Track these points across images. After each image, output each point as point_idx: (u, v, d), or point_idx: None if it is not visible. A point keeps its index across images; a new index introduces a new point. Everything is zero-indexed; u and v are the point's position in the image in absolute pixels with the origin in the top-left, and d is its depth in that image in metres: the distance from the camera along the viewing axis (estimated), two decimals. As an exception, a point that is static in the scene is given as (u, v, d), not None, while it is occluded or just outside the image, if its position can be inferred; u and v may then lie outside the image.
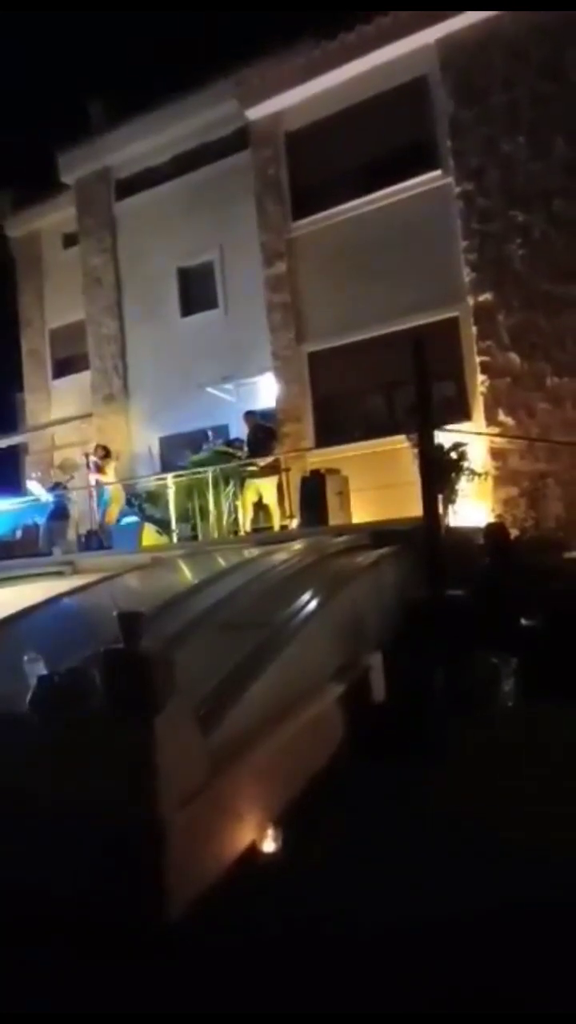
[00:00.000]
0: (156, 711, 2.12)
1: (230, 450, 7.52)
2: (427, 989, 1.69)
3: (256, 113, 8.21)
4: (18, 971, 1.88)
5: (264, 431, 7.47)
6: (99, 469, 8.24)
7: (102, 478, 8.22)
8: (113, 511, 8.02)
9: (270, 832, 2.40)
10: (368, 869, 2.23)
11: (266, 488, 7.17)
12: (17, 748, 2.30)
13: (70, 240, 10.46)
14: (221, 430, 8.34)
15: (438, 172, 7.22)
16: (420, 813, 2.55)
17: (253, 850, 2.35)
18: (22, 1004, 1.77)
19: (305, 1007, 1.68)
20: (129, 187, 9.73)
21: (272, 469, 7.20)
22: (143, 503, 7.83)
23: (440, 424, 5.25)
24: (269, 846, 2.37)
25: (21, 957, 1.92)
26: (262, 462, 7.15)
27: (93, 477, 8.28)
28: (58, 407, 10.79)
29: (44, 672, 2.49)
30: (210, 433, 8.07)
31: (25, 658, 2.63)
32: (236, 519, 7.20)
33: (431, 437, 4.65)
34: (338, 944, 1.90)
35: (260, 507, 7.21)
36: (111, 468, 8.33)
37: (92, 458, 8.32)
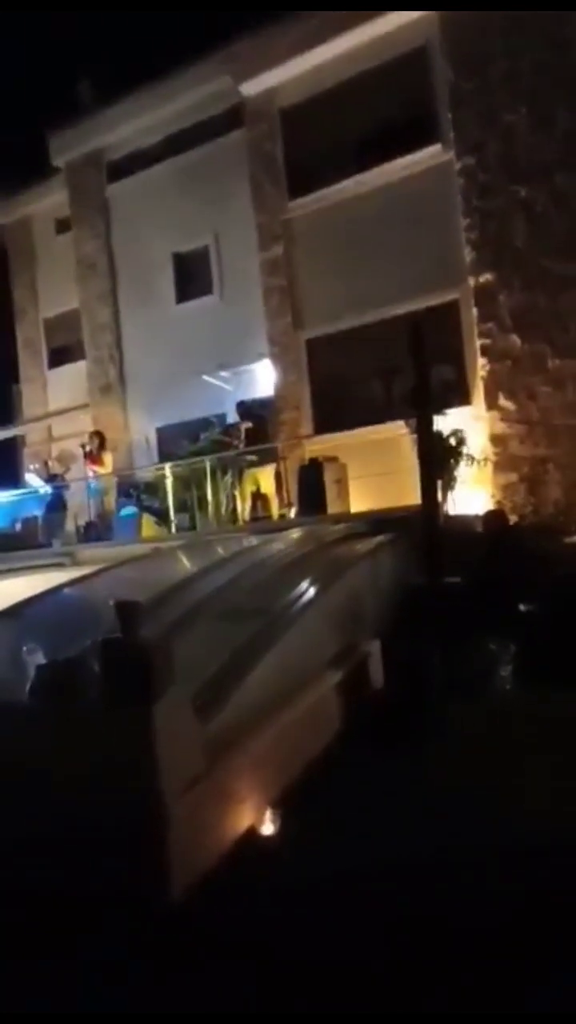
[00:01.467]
0: (154, 700, 2.13)
1: (226, 439, 7.47)
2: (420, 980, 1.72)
3: (250, 88, 7.96)
4: (17, 956, 1.91)
5: (255, 420, 7.40)
6: (95, 459, 8.19)
7: (99, 469, 8.18)
8: (109, 500, 8.00)
9: (268, 817, 2.43)
10: (362, 852, 2.26)
11: (264, 477, 7.14)
12: (17, 737, 2.32)
13: (63, 226, 10.24)
14: (219, 419, 8.27)
15: (438, 147, 7.03)
16: (416, 799, 2.57)
17: (251, 836, 2.38)
18: (24, 989, 1.80)
19: (298, 992, 1.70)
20: (121, 170, 9.49)
21: (270, 458, 7.16)
22: (141, 494, 7.80)
23: (439, 409, 5.19)
24: (267, 831, 2.40)
25: (21, 943, 1.95)
26: (255, 425, 7.04)
27: (89, 468, 8.23)
28: (54, 397, 10.69)
29: (43, 662, 2.50)
30: (215, 420, 7.99)
31: (24, 648, 2.63)
32: (234, 508, 7.17)
33: (430, 423, 4.60)
34: (330, 932, 1.92)
35: (258, 496, 7.18)
36: (108, 457, 8.28)
37: (87, 447, 8.27)
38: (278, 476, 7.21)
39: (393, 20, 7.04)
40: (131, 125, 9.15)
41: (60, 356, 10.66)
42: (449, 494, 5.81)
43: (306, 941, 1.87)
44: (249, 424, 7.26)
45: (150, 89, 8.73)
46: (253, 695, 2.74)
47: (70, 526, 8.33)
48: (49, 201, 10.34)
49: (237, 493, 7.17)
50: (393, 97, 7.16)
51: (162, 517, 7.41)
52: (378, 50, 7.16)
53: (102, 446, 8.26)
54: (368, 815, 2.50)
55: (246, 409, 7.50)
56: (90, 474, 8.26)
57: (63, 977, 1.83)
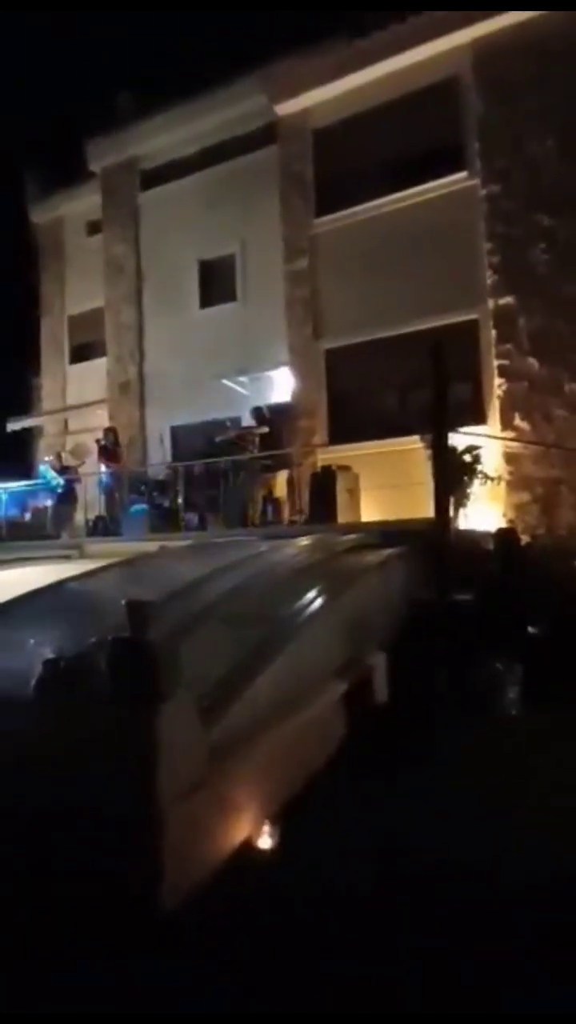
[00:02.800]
0: (160, 701, 2.13)
1: (241, 442, 7.50)
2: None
3: (285, 109, 8.15)
4: (14, 955, 1.90)
5: (267, 425, 7.43)
6: (109, 454, 8.26)
7: (113, 464, 8.24)
8: (121, 495, 8.05)
9: (267, 828, 2.41)
10: (361, 867, 2.23)
11: (276, 482, 7.15)
12: (20, 731, 2.32)
13: (94, 228, 10.47)
14: (233, 422, 8.32)
15: (464, 174, 7.14)
16: (418, 816, 2.54)
17: (249, 845, 2.36)
18: (17, 988, 1.79)
19: (292, 996, 1.68)
20: (154, 178, 9.71)
21: (283, 464, 7.18)
22: (153, 491, 7.85)
23: (454, 426, 5.19)
24: (265, 843, 2.38)
25: (17, 939, 1.95)
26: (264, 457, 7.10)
27: (103, 463, 8.30)
28: (73, 392, 10.85)
29: (50, 656, 2.51)
30: (228, 423, 8.05)
31: (31, 641, 2.64)
32: (245, 512, 7.20)
33: (445, 439, 4.60)
34: (325, 946, 1.90)
35: (269, 501, 7.20)
36: (123, 453, 8.33)
37: (102, 442, 8.34)
38: (290, 482, 7.22)
39: (426, 50, 7.20)
40: (167, 136, 9.36)
41: (82, 352, 10.82)
42: (461, 510, 5.79)
43: (300, 954, 1.85)
44: (265, 429, 7.30)
45: (188, 103, 8.94)
46: (257, 703, 2.73)
47: (80, 519, 8.39)
48: (82, 204, 10.56)
49: (248, 496, 7.18)
50: (423, 123, 7.28)
51: (173, 516, 7.44)
52: (411, 78, 7.30)
53: (117, 442, 8.33)
54: (368, 831, 2.47)
55: (260, 414, 7.54)
56: (103, 469, 8.32)
57: (55, 978, 1.81)
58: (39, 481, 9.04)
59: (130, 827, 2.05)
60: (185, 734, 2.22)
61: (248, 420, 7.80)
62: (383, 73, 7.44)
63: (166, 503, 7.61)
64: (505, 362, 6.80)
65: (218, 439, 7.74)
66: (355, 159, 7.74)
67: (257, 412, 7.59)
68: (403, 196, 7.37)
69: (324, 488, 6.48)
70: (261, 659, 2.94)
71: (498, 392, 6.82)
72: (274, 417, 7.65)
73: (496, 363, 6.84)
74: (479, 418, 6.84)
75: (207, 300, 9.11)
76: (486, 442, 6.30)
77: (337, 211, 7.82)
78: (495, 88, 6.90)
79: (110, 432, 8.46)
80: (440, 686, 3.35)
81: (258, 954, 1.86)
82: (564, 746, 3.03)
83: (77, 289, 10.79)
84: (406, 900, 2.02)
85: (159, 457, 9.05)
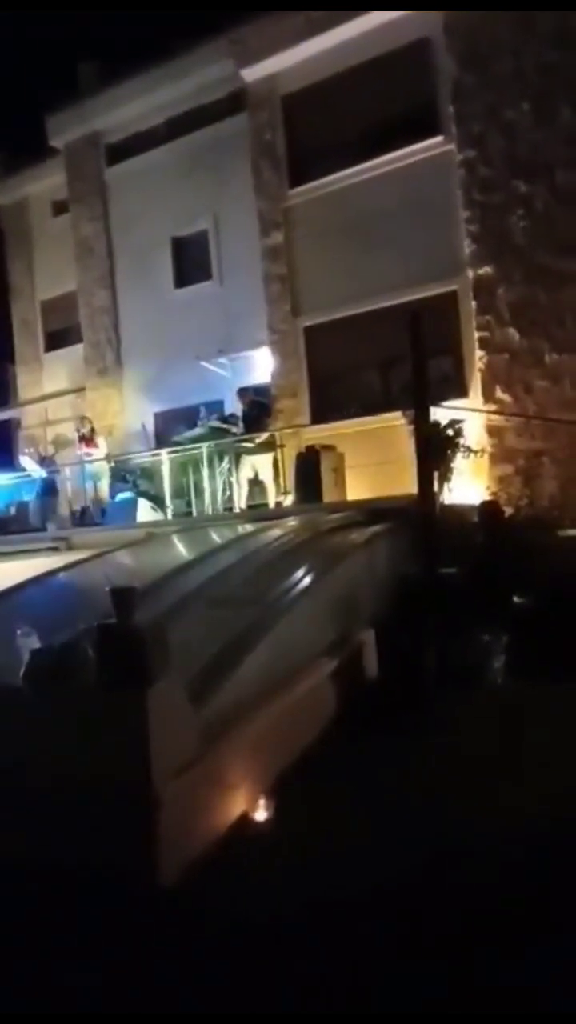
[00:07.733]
0: (148, 685, 2.15)
1: (225, 426, 7.45)
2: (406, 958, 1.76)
3: (252, 74, 7.86)
4: (14, 940, 1.93)
5: (258, 407, 7.40)
6: (88, 442, 8.16)
7: (94, 452, 8.15)
8: (103, 485, 7.99)
9: (261, 802, 2.47)
10: (353, 838, 2.30)
11: (261, 464, 7.13)
12: (11, 721, 2.33)
13: (59, 208, 10.10)
14: (216, 405, 8.23)
15: (440, 138, 6.98)
16: (410, 786, 2.62)
17: (244, 819, 2.41)
18: (19, 973, 1.82)
19: (290, 976, 1.74)
20: (121, 152, 9.35)
21: (267, 445, 7.15)
22: (137, 479, 7.78)
23: (437, 400, 5.19)
24: (260, 816, 2.44)
25: (18, 926, 1.98)
26: (258, 438, 7.11)
27: (83, 452, 8.20)
28: (51, 381, 10.59)
29: (38, 646, 2.51)
30: (202, 409, 7.97)
31: (19, 632, 2.64)
32: (231, 495, 7.18)
33: (427, 414, 4.60)
34: (323, 912, 1.96)
35: (255, 483, 7.19)
36: (100, 441, 8.25)
37: (81, 431, 8.24)
38: (275, 463, 7.20)
39: (395, 10, 6.93)
40: (131, 107, 8.99)
41: (57, 339, 10.54)
42: (445, 484, 5.83)
43: (298, 927, 1.91)
44: (237, 428, 7.22)
45: (151, 71, 8.58)
46: (248, 682, 2.76)
47: (65, 511, 8.30)
48: (46, 183, 10.17)
49: (234, 480, 7.16)
50: (395, 87, 7.09)
51: (158, 502, 7.40)
52: (381, 39, 7.08)
53: (93, 429, 8.24)
54: (361, 802, 2.54)
55: (248, 397, 7.46)
56: (85, 457, 8.22)
57: (54, 959, 1.85)
58: (21, 475, 8.89)
59: (125, 807, 2.08)
60: (175, 716, 2.25)
61: (233, 401, 7.71)
62: (352, 34, 7.19)
63: (152, 490, 7.55)
64: (485, 334, 6.77)
65: (199, 422, 7.65)
66: (328, 126, 7.52)
67: (243, 394, 7.50)
68: (378, 163, 7.20)
69: (309, 469, 6.47)
70: (250, 640, 2.97)
71: (479, 365, 6.81)
72: (259, 397, 7.58)
73: (477, 335, 6.81)
74: (461, 391, 6.84)
75: (182, 279, 8.89)
76: (468, 415, 6.31)
77: (311, 181, 7.63)
78: (468, 49, 6.71)
79: (86, 420, 8.35)
80: (428, 659, 3.42)
81: (254, 932, 1.91)
82: (549, 714, 3.12)
83: (47, 273, 10.44)
84: (399, 879, 2.08)
85: (143, 444, 8.94)
